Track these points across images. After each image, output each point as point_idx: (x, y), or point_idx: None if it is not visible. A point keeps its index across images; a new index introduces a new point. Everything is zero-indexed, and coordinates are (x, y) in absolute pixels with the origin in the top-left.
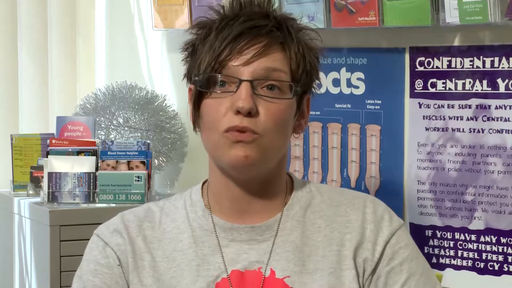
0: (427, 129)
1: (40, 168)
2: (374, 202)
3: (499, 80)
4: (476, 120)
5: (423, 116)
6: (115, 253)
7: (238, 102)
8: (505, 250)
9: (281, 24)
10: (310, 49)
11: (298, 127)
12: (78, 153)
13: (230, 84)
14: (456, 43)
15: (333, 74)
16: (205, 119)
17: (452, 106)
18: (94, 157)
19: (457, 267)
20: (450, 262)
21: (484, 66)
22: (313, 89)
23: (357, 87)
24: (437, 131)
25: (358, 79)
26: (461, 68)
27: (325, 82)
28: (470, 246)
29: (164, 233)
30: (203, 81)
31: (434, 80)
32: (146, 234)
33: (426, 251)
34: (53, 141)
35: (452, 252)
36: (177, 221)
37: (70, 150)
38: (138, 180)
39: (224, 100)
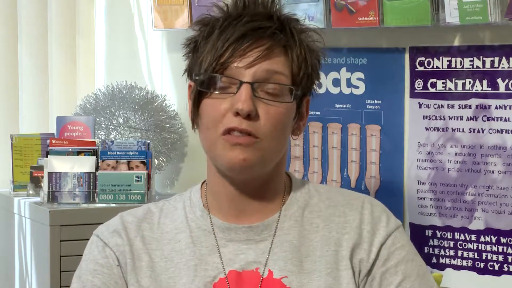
0: (427, 129)
1: (40, 168)
2: (372, 203)
3: (499, 80)
4: (476, 120)
5: (423, 116)
6: (114, 253)
7: (238, 104)
8: (505, 250)
9: (284, 26)
10: (312, 51)
11: (297, 129)
12: (78, 153)
13: (230, 86)
14: (456, 43)
15: (333, 74)
16: (204, 118)
17: (452, 106)
18: (94, 157)
19: (457, 267)
20: (450, 262)
21: (484, 66)
22: (313, 90)
23: (357, 87)
24: (437, 131)
25: (358, 79)
26: (461, 68)
27: (325, 82)
28: (470, 246)
29: (163, 234)
30: (204, 80)
31: (434, 80)
32: (144, 235)
33: (426, 251)
34: (53, 141)
35: (452, 252)
36: (176, 222)
37: (70, 150)
38: (138, 180)
39: (224, 101)
